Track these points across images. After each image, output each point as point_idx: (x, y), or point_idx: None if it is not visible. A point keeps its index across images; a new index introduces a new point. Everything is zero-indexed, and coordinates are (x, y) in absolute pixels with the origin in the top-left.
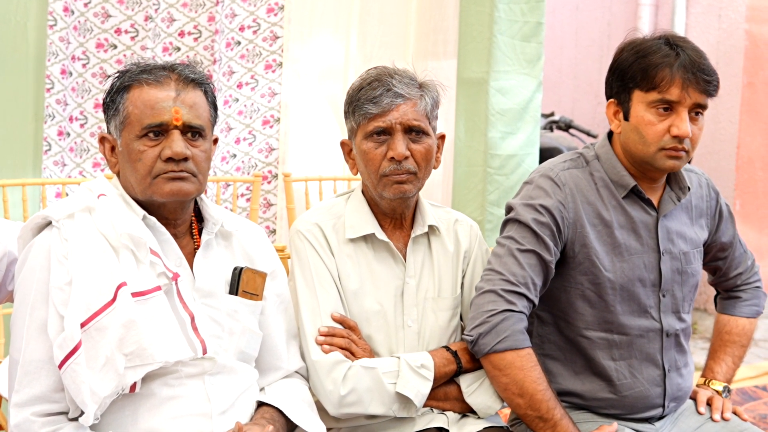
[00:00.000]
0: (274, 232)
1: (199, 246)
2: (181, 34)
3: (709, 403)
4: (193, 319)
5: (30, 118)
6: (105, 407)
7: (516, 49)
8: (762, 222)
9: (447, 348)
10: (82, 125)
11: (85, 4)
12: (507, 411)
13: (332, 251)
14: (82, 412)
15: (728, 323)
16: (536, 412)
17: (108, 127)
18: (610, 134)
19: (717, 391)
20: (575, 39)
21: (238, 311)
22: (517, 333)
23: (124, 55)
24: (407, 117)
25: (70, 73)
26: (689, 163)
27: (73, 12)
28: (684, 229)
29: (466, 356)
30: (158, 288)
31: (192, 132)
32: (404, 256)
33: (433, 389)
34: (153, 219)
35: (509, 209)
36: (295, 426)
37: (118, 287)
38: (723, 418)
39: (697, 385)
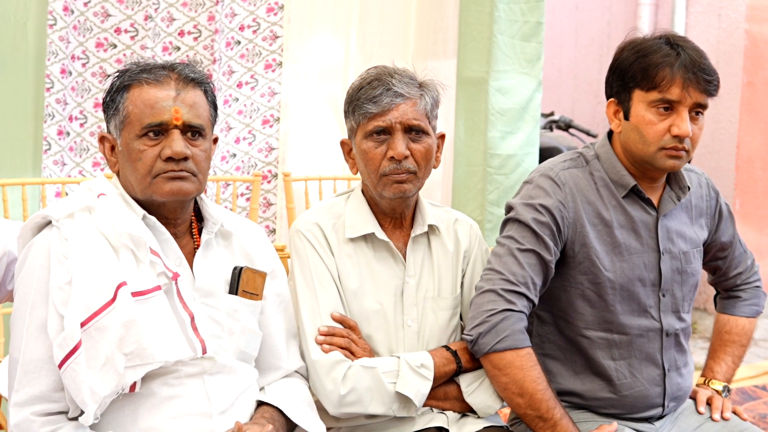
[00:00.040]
0: (273, 231)
1: (198, 245)
2: (181, 33)
3: (708, 403)
4: (192, 318)
5: (30, 118)
6: (105, 407)
7: (516, 49)
8: (762, 221)
9: (447, 347)
10: (81, 124)
11: (85, 4)
12: (507, 410)
13: (332, 251)
14: (82, 412)
15: (728, 323)
16: (536, 411)
17: (108, 127)
18: (610, 134)
19: (717, 391)
20: (575, 39)
21: (237, 311)
22: (516, 332)
23: (124, 55)
24: (407, 116)
25: (70, 73)
26: (689, 162)
27: (72, 11)
28: (684, 228)
29: (466, 356)
30: (158, 288)
31: (192, 131)
32: (404, 256)
33: (432, 389)
34: (153, 218)
35: (509, 209)
36: (295, 425)
37: (118, 287)
38: (723, 418)
39: (697, 385)
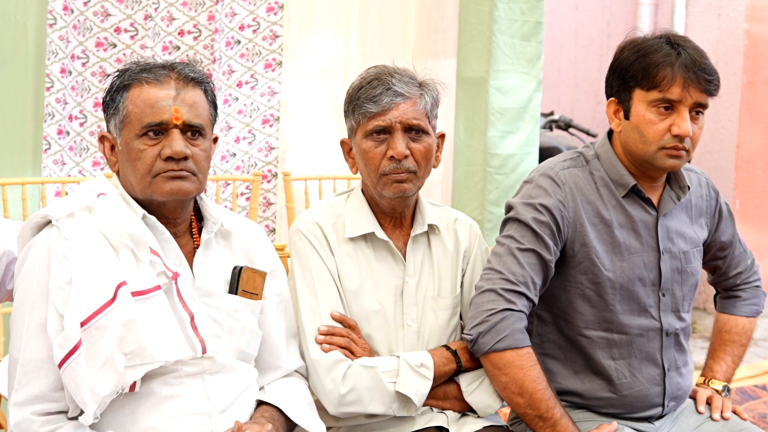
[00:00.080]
0: (273, 231)
1: (198, 245)
2: (181, 33)
3: (708, 403)
4: (192, 318)
5: (29, 117)
6: (105, 406)
7: (516, 49)
8: (761, 221)
9: (447, 347)
10: (81, 124)
11: (85, 3)
12: (507, 410)
13: (332, 250)
14: (82, 412)
15: (728, 322)
16: (536, 411)
17: (108, 126)
18: (609, 133)
19: (717, 391)
20: (575, 38)
21: (237, 310)
22: (516, 332)
23: (124, 54)
24: (407, 116)
25: (70, 72)
26: (689, 162)
27: (72, 11)
28: (684, 228)
29: (466, 355)
30: (158, 287)
31: (192, 131)
32: (404, 255)
33: (432, 388)
34: (153, 218)
35: (509, 208)
36: (295, 425)
37: (118, 286)
38: (723, 418)
39: (697, 385)
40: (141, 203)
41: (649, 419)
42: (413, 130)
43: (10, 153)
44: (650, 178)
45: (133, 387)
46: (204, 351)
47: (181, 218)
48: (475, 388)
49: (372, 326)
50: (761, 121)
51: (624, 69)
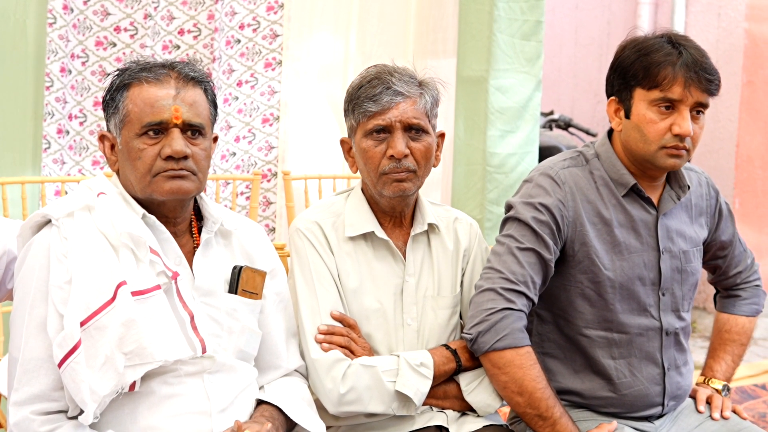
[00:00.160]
0: (273, 230)
1: (198, 245)
2: (181, 32)
3: (708, 402)
4: (192, 318)
5: (29, 116)
6: (104, 406)
7: (515, 48)
8: (761, 221)
9: (446, 346)
10: (81, 123)
11: (85, 2)
12: (506, 409)
13: (332, 249)
14: (82, 411)
15: (728, 322)
16: (535, 410)
17: (108, 125)
18: (610, 133)
19: (716, 390)
20: (575, 37)
21: (237, 310)
22: (516, 331)
23: (124, 53)
24: (407, 115)
25: (70, 71)
26: (689, 161)
27: (72, 10)
28: (684, 227)
29: (466, 354)
30: (158, 287)
31: (192, 130)
32: (404, 255)
33: (432, 387)
34: (152, 218)
35: (509, 207)
36: (295, 424)
37: (118, 286)
38: (722, 417)
39: (697, 384)
40: (141, 203)
41: (648, 418)
42: (413, 129)
43: (10, 152)
44: (650, 177)
45: (132, 386)
46: (204, 350)
47: (181, 218)
48: (474, 387)
49: (372, 325)
50: (761, 121)
51: (625, 68)
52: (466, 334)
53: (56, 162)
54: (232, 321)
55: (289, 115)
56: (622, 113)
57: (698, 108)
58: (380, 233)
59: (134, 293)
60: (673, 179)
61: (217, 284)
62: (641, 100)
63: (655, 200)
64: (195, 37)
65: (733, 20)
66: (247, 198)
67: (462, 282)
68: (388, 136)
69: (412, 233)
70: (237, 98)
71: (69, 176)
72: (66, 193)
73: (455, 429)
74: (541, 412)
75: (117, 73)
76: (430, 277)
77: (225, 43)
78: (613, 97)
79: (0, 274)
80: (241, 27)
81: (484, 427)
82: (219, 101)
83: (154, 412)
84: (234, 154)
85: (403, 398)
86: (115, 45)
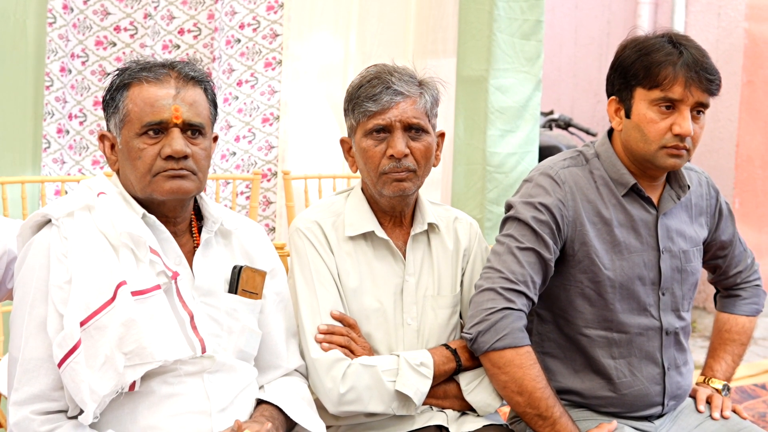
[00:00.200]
0: (273, 230)
1: (198, 244)
2: (181, 31)
3: (708, 402)
4: (192, 317)
5: (29, 116)
6: (104, 406)
7: (515, 47)
8: (761, 220)
9: (446, 346)
10: (81, 123)
11: (85, 2)
12: (506, 409)
13: (332, 249)
14: (81, 411)
15: (728, 321)
16: (535, 410)
17: (108, 125)
18: (610, 132)
19: (716, 390)
20: (575, 37)
21: (237, 310)
22: (516, 331)
23: (124, 53)
24: (407, 115)
25: (70, 71)
26: (689, 161)
27: (72, 9)
28: (684, 227)
29: (466, 354)
30: (158, 287)
31: (192, 130)
32: (404, 254)
33: (432, 387)
34: (152, 217)
35: (509, 207)
36: (295, 424)
37: (118, 286)
38: (722, 417)
39: (697, 384)
40: (141, 202)
41: (648, 418)
42: (413, 129)
43: (10, 152)
44: (650, 177)
45: (132, 386)
46: (203, 350)
47: (181, 217)
48: (474, 386)
49: (372, 325)
50: (761, 120)
51: (625, 68)
52: (466, 333)
53: (56, 162)
54: (232, 321)
55: (289, 115)
56: (622, 113)
57: (699, 108)
58: (380, 233)
59: (134, 293)
60: (673, 179)
61: (217, 284)
62: (642, 99)
63: (655, 200)
64: (195, 37)
65: (733, 20)
66: (247, 198)
67: (462, 281)
68: (388, 135)
69: (412, 233)
70: (237, 98)
71: (69, 176)
72: (66, 192)
73: (455, 429)
74: (540, 411)
75: (117, 72)
76: (430, 276)
77: (225, 43)
78: (613, 97)
79: (0, 274)
80: (241, 26)
81: (484, 426)
82: (219, 101)
83: (154, 411)
84: (234, 153)
85: (403, 398)
86: (115, 45)
